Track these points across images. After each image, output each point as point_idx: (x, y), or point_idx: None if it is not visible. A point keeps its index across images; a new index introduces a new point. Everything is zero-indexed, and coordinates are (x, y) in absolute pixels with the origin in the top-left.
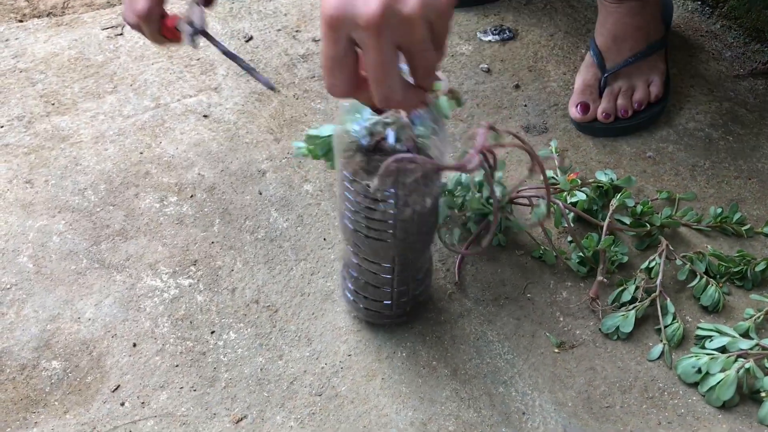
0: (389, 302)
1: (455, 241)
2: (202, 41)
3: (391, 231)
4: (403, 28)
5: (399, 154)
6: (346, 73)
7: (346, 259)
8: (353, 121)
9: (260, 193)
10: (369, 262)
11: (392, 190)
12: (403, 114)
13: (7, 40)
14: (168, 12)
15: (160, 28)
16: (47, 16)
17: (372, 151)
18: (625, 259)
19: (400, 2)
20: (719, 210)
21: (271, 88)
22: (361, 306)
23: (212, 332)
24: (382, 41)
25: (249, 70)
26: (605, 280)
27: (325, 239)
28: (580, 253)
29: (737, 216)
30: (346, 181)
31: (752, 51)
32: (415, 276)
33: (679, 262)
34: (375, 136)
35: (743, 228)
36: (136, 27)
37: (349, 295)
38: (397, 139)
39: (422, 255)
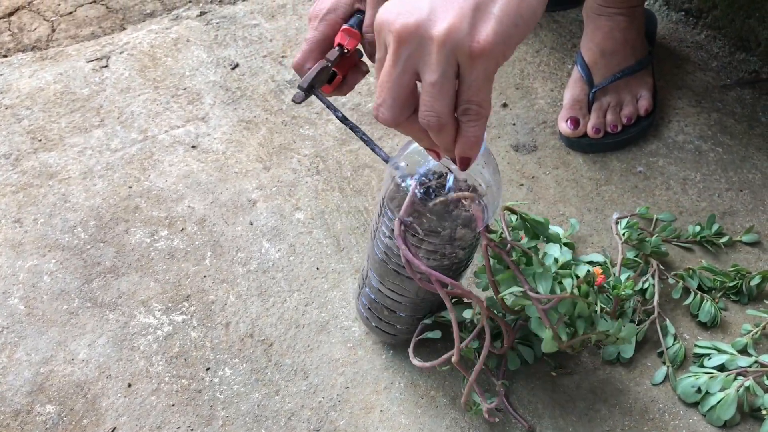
0: (400, 327)
1: None
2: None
3: (396, 262)
4: (422, 49)
5: (417, 191)
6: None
7: (364, 277)
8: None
9: (251, 224)
10: (388, 289)
11: (409, 219)
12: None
13: None
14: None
15: None
16: (32, 50)
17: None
18: (631, 292)
19: (433, 23)
20: (698, 228)
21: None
22: (373, 324)
23: (207, 369)
24: (399, 54)
25: (366, 141)
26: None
27: (318, 268)
28: None
29: (715, 228)
30: (385, 208)
31: (738, 60)
32: (425, 311)
33: (671, 280)
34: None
35: (721, 240)
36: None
37: (362, 310)
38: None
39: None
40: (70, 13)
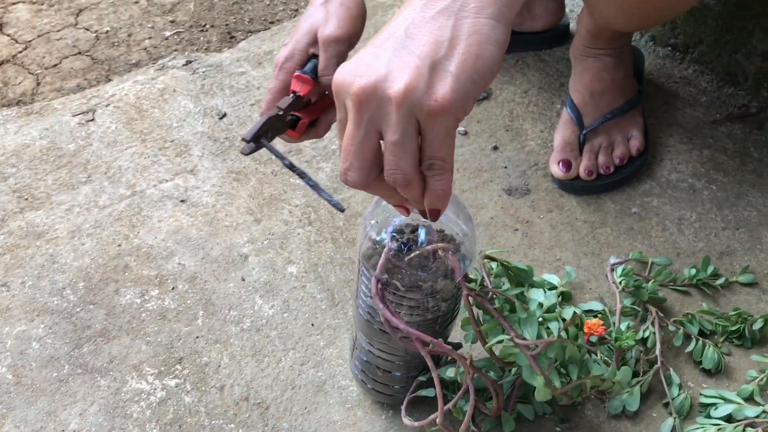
0: (397, 386)
1: None
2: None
3: (379, 320)
4: (381, 110)
5: (393, 248)
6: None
7: (354, 339)
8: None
9: (243, 280)
10: (377, 349)
11: (385, 277)
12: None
13: None
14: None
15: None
16: (17, 104)
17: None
18: (633, 342)
19: (390, 83)
20: (693, 270)
21: (340, 209)
22: (369, 386)
23: None
24: (361, 116)
25: (313, 186)
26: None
27: (312, 325)
28: None
29: (710, 270)
30: (362, 267)
31: (726, 95)
32: (420, 368)
33: (671, 327)
34: (398, 238)
35: (717, 282)
36: None
37: (356, 372)
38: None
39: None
40: (55, 65)
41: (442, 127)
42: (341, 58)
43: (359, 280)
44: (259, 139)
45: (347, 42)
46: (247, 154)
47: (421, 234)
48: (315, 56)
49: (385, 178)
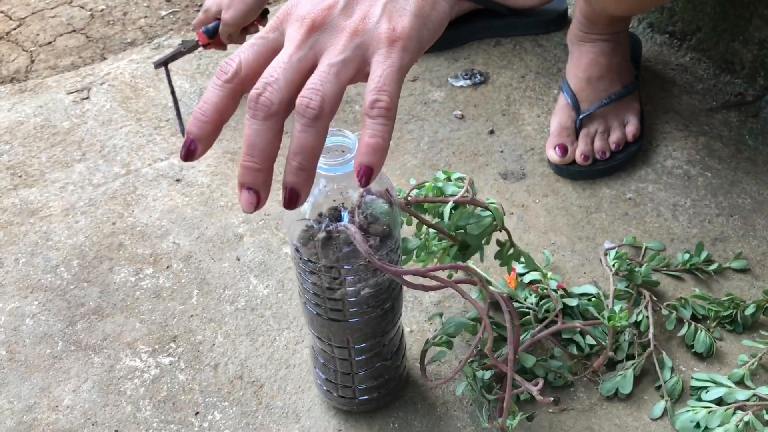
0: (362, 386)
1: None
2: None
3: (331, 308)
4: (332, 35)
5: (336, 226)
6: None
7: (314, 348)
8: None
9: (238, 259)
10: (330, 345)
11: (313, 262)
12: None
13: None
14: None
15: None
16: (10, 81)
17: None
18: (626, 323)
19: (348, 14)
20: (687, 256)
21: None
22: (335, 395)
23: (196, 413)
24: (306, 40)
25: (179, 116)
26: (614, 354)
27: None
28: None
29: (704, 255)
30: (300, 262)
31: (723, 83)
32: (381, 359)
33: (664, 311)
34: (324, 218)
35: (710, 268)
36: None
37: (321, 385)
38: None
39: (380, 337)
40: (50, 42)
41: (397, 58)
42: (233, 36)
43: (300, 274)
44: (167, 65)
45: (237, 28)
46: (156, 68)
47: (343, 214)
48: (217, 19)
49: (298, 100)
